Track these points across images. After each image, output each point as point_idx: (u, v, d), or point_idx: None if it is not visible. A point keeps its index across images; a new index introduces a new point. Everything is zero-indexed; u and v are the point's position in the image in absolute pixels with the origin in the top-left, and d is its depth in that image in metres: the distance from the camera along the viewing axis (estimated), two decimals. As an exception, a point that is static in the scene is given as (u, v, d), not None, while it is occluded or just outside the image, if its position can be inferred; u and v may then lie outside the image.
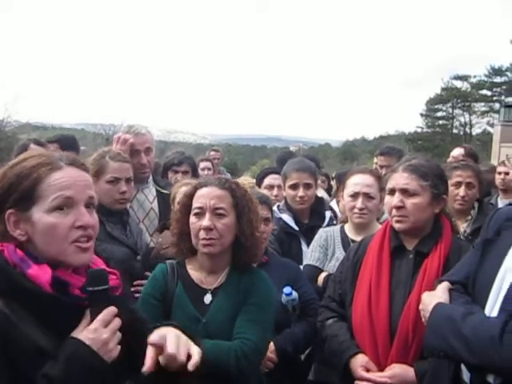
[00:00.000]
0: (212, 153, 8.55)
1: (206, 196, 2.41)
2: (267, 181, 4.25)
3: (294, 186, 3.68)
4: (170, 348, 1.60)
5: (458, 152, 6.00)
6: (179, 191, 3.44)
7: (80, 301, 1.56)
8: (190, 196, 2.48)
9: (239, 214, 2.43)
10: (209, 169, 6.95)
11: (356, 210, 3.23)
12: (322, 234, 3.42)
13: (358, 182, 3.28)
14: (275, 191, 4.11)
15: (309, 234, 3.62)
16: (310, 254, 3.35)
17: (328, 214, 3.94)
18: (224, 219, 2.39)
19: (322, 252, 3.30)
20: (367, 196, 3.20)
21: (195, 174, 4.77)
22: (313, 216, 3.78)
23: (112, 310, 1.57)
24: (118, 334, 1.57)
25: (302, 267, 3.37)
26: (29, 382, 1.44)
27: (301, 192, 3.64)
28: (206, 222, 2.36)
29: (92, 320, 1.55)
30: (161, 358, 1.62)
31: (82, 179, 1.65)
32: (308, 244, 3.56)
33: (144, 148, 3.90)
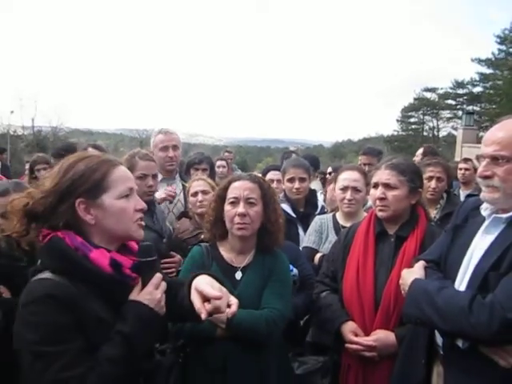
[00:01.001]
0: (226, 154, 8.55)
1: (239, 188, 2.41)
2: (269, 176, 4.23)
3: (291, 180, 3.67)
4: (217, 297, 1.61)
5: (419, 151, 6.03)
6: (192, 185, 3.51)
7: (130, 278, 1.61)
8: (224, 188, 2.48)
9: (266, 203, 2.44)
10: (224, 166, 6.92)
11: (345, 201, 3.21)
12: (317, 220, 3.40)
13: (347, 177, 3.26)
14: (275, 184, 4.08)
15: (304, 220, 3.62)
16: (308, 238, 3.33)
17: (320, 203, 3.93)
18: (255, 207, 2.39)
19: (317, 236, 3.29)
20: (355, 189, 3.18)
21: (213, 171, 4.79)
22: (307, 205, 3.77)
23: (159, 275, 1.66)
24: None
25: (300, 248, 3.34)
26: (92, 347, 1.48)
27: (297, 184, 3.64)
28: (240, 209, 2.36)
29: (144, 285, 1.63)
30: (207, 306, 1.63)
31: (132, 176, 1.75)
32: (304, 229, 3.56)
33: (171, 145, 3.97)
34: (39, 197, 1.56)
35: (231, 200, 2.41)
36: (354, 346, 2.41)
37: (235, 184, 2.44)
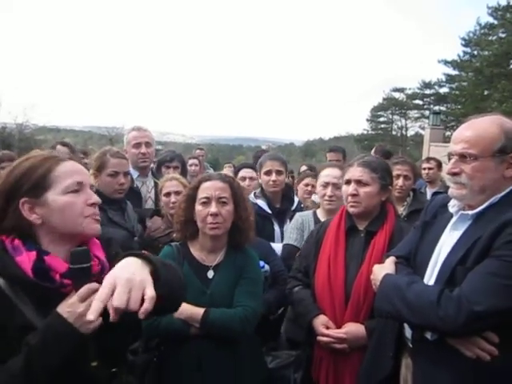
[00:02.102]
0: (198, 151, 8.53)
1: (211, 188, 2.41)
2: (241, 173, 4.25)
3: (268, 173, 3.65)
4: (115, 300, 1.27)
5: (372, 151, 6.13)
6: (165, 185, 3.48)
7: (61, 285, 1.49)
8: (195, 188, 2.47)
9: (237, 202, 2.44)
10: (196, 165, 6.88)
11: (326, 198, 3.23)
12: (298, 218, 3.40)
13: (328, 173, 3.29)
14: (247, 182, 4.11)
15: (280, 216, 3.62)
16: (289, 235, 3.33)
17: (296, 199, 3.92)
18: (226, 206, 2.40)
19: (298, 233, 3.28)
20: (336, 186, 3.18)
21: (184, 169, 4.75)
22: (283, 201, 3.74)
23: (92, 285, 1.44)
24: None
25: (277, 245, 3.37)
26: (10, 353, 1.40)
27: (273, 177, 3.62)
28: (213, 209, 2.36)
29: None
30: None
31: (84, 169, 1.68)
32: (280, 225, 3.58)
33: (144, 141, 3.97)
34: None
35: (203, 200, 2.40)
36: (326, 339, 2.43)
37: (206, 184, 2.44)
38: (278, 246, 3.39)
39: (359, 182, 2.56)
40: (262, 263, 2.81)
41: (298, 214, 3.47)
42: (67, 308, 1.44)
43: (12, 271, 1.47)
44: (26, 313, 1.45)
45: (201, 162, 7.17)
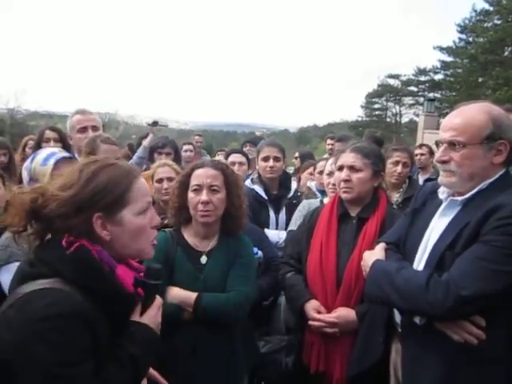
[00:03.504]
0: (196, 137, 8.48)
1: (202, 175, 2.41)
2: (230, 159, 4.21)
3: (266, 158, 3.64)
4: None
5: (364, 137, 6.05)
6: (157, 171, 3.43)
7: (139, 297, 1.56)
8: (187, 175, 2.47)
9: (229, 190, 2.44)
10: (190, 150, 6.88)
11: (331, 186, 3.18)
12: (305, 205, 3.40)
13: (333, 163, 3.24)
14: (236, 167, 4.06)
15: (276, 202, 3.61)
16: (295, 222, 3.31)
17: (294, 186, 3.91)
18: (218, 194, 2.39)
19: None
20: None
21: (177, 155, 4.71)
22: (281, 187, 3.73)
23: (160, 299, 1.63)
24: None
25: (271, 231, 3.39)
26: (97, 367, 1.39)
27: (271, 163, 3.61)
28: (203, 196, 2.36)
29: (143, 306, 1.57)
30: None
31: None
32: (275, 211, 3.57)
33: (91, 125, 3.68)
34: (54, 201, 1.42)
35: (194, 187, 2.41)
36: (317, 323, 2.46)
37: (198, 171, 2.44)
38: (272, 233, 3.41)
39: (352, 168, 2.57)
40: (255, 249, 2.83)
41: (305, 201, 3.48)
42: (152, 319, 1.56)
43: (114, 285, 1.43)
44: (102, 327, 1.40)
45: (195, 147, 7.15)
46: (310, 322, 2.49)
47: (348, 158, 2.60)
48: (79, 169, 1.48)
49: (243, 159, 4.16)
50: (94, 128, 3.71)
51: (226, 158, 4.36)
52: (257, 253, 2.84)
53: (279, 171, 3.69)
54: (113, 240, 1.47)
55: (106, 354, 1.40)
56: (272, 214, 3.59)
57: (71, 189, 1.43)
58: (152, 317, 1.56)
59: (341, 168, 2.62)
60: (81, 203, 1.41)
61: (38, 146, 4.02)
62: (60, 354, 1.28)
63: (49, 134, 4.13)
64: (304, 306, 2.53)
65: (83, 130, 3.65)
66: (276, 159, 3.64)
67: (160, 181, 3.41)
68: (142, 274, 1.58)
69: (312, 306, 2.51)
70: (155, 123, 5.17)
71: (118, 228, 1.47)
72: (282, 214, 3.59)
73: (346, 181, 2.56)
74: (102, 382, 1.36)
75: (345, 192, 2.58)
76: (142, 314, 1.56)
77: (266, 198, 3.61)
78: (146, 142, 4.77)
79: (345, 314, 2.43)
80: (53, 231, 1.45)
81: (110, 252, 1.48)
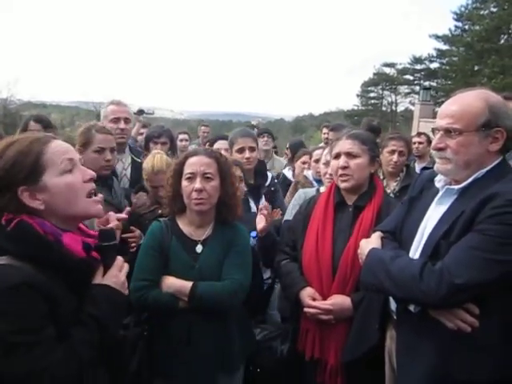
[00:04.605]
0: (203, 128, 8.40)
1: (196, 163, 2.40)
2: (216, 145, 4.11)
3: (241, 150, 3.58)
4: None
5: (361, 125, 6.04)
6: (145, 169, 3.35)
7: (96, 261, 1.59)
8: (181, 164, 2.46)
9: (223, 178, 2.43)
10: (186, 140, 6.84)
11: (327, 176, 3.18)
12: (301, 194, 3.40)
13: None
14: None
15: (255, 192, 3.56)
16: (290, 211, 3.30)
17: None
18: (212, 182, 2.39)
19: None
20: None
21: (173, 145, 4.66)
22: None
23: (121, 258, 1.68)
24: None
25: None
26: (61, 332, 1.43)
27: (247, 154, 3.55)
28: (197, 184, 2.35)
29: (105, 268, 1.61)
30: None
31: (70, 145, 1.62)
32: (254, 201, 3.51)
33: (123, 117, 3.84)
34: None
35: (188, 176, 2.40)
36: (312, 310, 2.46)
37: (191, 159, 2.43)
38: None
39: (349, 155, 2.56)
40: (254, 233, 2.86)
41: (301, 191, 3.47)
42: (113, 279, 1.60)
43: (62, 253, 1.46)
44: (61, 293, 1.44)
45: (204, 139, 7.10)
46: (306, 309, 2.50)
47: (345, 144, 2.59)
48: None
49: (228, 146, 4.03)
50: (126, 120, 3.86)
51: (212, 144, 4.25)
52: (256, 236, 2.87)
53: (255, 161, 3.64)
54: (48, 207, 1.50)
55: (70, 320, 1.45)
56: (252, 203, 3.53)
57: None
58: (113, 276, 1.61)
59: (337, 156, 2.60)
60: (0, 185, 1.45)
61: None
62: (15, 323, 1.34)
63: (33, 125, 4.03)
64: (299, 294, 2.53)
65: (116, 120, 3.81)
66: (251, 149, 3.59)
67: (155, 187, 3.34)
68: (95, 238, 1.62)
69: (307, 293, 2.51)
70: (141, 111, 5.13)
71: (47, 194, 1.49)
72: (262, 203, 3.56)
73: (343, 168, 2.54)
74: (67, 345, 1.41)
75: (343, 181, 2.56)
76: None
77: (245, 189, 3.57)
78: (133, 132, 4.74)
79: (340, 301, 2.43)
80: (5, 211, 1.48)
81: (54, 220, 1.51)
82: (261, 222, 2.88)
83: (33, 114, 4.44)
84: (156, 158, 3.35)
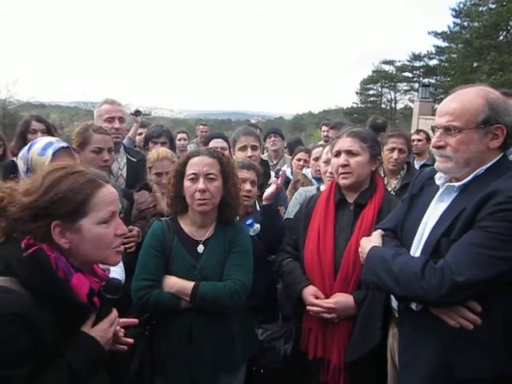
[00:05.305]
0: (201, 127, 8.39)
1: (198, 163, 2.40)
2: (212, 144, 3.99)
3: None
4: None
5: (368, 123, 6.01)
6: (156, 165, 3.35)
7: (94, 307, 1.56)
8: (183, 164, 2.45)
9: (226, 178, 2.43)
10: (184, 139, 6.83)
11: (328, 174, 3.16)
12: (301, 192, 3.40)
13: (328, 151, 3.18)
14: None
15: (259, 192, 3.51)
16: (291, 210, 3.29)
17: (272, 173, 3.87)
18: (215, 182, 2.39)
19: None
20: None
21: (172, 144, 4.64)
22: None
23: (116, 313, 1.64)
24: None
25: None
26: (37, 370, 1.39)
27: (249, 152, 3.56)
28: (200, 185, 2.35)
29: (98, 317, 1.58)
30: None
31: (117, 194, 1.63)
32: (258, 201, 3.43)
33: (118, 116, 3.79)
34: (16, 205, 1.43)
35: (191, 176, 2.39)
36: (315, 308, 2.46)
37: (194, 160, 2.42)
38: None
39: (349, 153, 2.56)
40: (249, 221, 2.84)
41: (301, 189, 3.47)
42: (101, 333, 1.56)
43: (66, 294, 1.44)
44: (50, 330, 1.41)
45: (201, 138, 7.10)
46: (308, 308, 2.49)
47: (345, 142, 2.58)
48: (43, 175, 1.49)
49: (224, 144, 3.97)
50: (121, 119, 3.80)
51: (207, 143, 4.16)
52: (252, 223, 2.85)
53: (257, 160, 3.63)
54: (72, 248, 1.49)
55: (48, 359, 1.41)
56: (256, 203, 3.54)
57: (31, 195, 1.45)
58: (102, 330, 1.57)
59: (338, 154, 2.60)
60: (38, 210, 1.43)
61: (22, 138, 3.95)
62: None
63: (36, 125, 4.03)
64: (302, 292, 2.53)
65: (110, 120, 3.75)
66: (253, 148, 3.59)
67: (159, 175, 3.34)
68: (101, 284, 1.61)
69: (310, 292, 2.51)
70: (138, 112, 5.11)
71: (77, 236, 1.49)
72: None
73: (344, 166, 2.54)
74: None
75: (343, 178, 2.56)
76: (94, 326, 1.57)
77: (256, 193, 3.57)
78: (130, 133, 4.73)
79: (343, 299, 2.43)
80: (17, 231, 1.46)
81: (71, 259, 1.50)
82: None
83: (32, 114, 4.41)
84: (161, 149, 3.45)
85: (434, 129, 1.90)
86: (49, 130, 4.01)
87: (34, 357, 1.36)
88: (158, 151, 3.41)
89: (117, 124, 3.76)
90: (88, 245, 1.51)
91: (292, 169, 4.99)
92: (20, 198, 1.45)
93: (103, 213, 1.52)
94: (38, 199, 1.44)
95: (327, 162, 3.20)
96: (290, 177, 4.76)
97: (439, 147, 1.86)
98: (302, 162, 4.72)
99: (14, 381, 1.31)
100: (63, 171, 1.51)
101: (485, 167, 1.82)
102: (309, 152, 4.75)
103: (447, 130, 1.83)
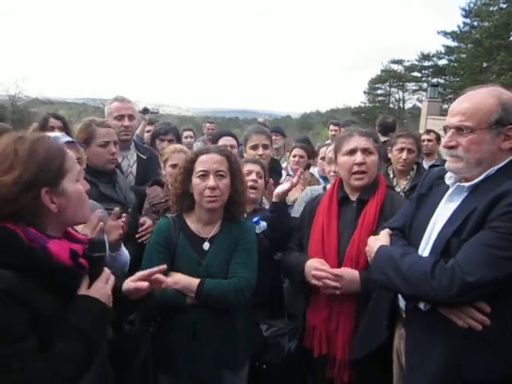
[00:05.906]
0: (207, 125, 8.39)
1: (208, 161, 2.41)
2: (221, 142, 4.03)
3: (255, 147, 3.60)
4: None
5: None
6: (172, 156, 3.34)
7: (83, 268, 1.56)
8: (191, 161, 2.46)
9: (233, 175, 2.45)
10: (191, 137, 6.84)
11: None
12: (308, 192, 3.41)
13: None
14: None
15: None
16: (297, 209, 3.28)
17: (284, 172, 3.90)
18: (224, 180, 2.40)
19: None
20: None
21: (179, 142, 4.63)
22: (271, 174, 3.61)
23: (108, 270, 1.66)
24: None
25: None
26: (44, 344, 1.39)
27: (260, 151, 3.57)
28: (211, 182, 2.36)
29: (91, 278, 1.59)
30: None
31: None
32: (267, 198, 3.48)
33: (127, 114, 3.81)
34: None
35: (200, 173, 2.39)
36: (320, 272, 2.42)
37: (203, 157, 2.43)
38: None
39: (366, 151, 2.56)
40: (256, 219, 2.84)
41: (308, 189, 3.48)
42: (99, 291, 1.57)
43: (47, 262, 1.42)
44: (45, 303, 1.40)
45: (209, 136, 7.12)
46: (314, 272, 2.44)
47: (360, 141, 2.58)
48: (12, 149, 1.44)
49: (234, 142, 4.01)
50: (131, 117, 3.83)
51: (216, 141, 4.18)
52: (258, 221, 2.85)
53: (268, 158, 3.65)
54: (60, 211, 1.49)
55: (52, 330, 1.41)
56: (265, 199, 3.50)
57: (12, 171, 1.40)
58: (99, 288, 1.59)
59: (352, 152, 2.58)
60: (27, 181, 1.41)
61: None
62: None
63: (53, 122, 4.09)
64: (305, 264, 2.50)
65: (120, 117, 3.78)
66: (265, 147, 3.61)
67: (174, 166, 3.34)
68: (85, 247, 1.61)
69: (315, 261, 2.49)
70: (146, 110, 5.14)
71: (62, 198, 1.50)
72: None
73: (361, 164, 2.53)
74: (50, 357, 1.38)
75: (358, 179, 2.55)
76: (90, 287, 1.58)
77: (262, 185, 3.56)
78: (138, 130, 4.75)
79: (350, 272, 2.41)
80: (4, 213, 1.43)
81: (56, 224, 1.51)
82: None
83: (49, 112, 4.50)
84: (177, 144, 3.55)
85: (445, 129, 1.89)
86: (66, 127, 4.05)
87: (38, 331, 1.37)
88: (174, 146, 3.47)
89: (126, 122, 3.79)
90: (73, 204, 1.52)
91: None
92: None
93: (75, 170, 1.55)
94: (22, 173, 1.40)
95: (330, 161, 3.20)
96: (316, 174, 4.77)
97: (450, 147, 1.85)
98: (297, 158, 4.77)
99: (24, 355, 1.32)
100: (29, 140, 1.48)
101: (496, 168, 1.80)
102: (305, 148, 4.87)
103: (459, 129, 1.81)
